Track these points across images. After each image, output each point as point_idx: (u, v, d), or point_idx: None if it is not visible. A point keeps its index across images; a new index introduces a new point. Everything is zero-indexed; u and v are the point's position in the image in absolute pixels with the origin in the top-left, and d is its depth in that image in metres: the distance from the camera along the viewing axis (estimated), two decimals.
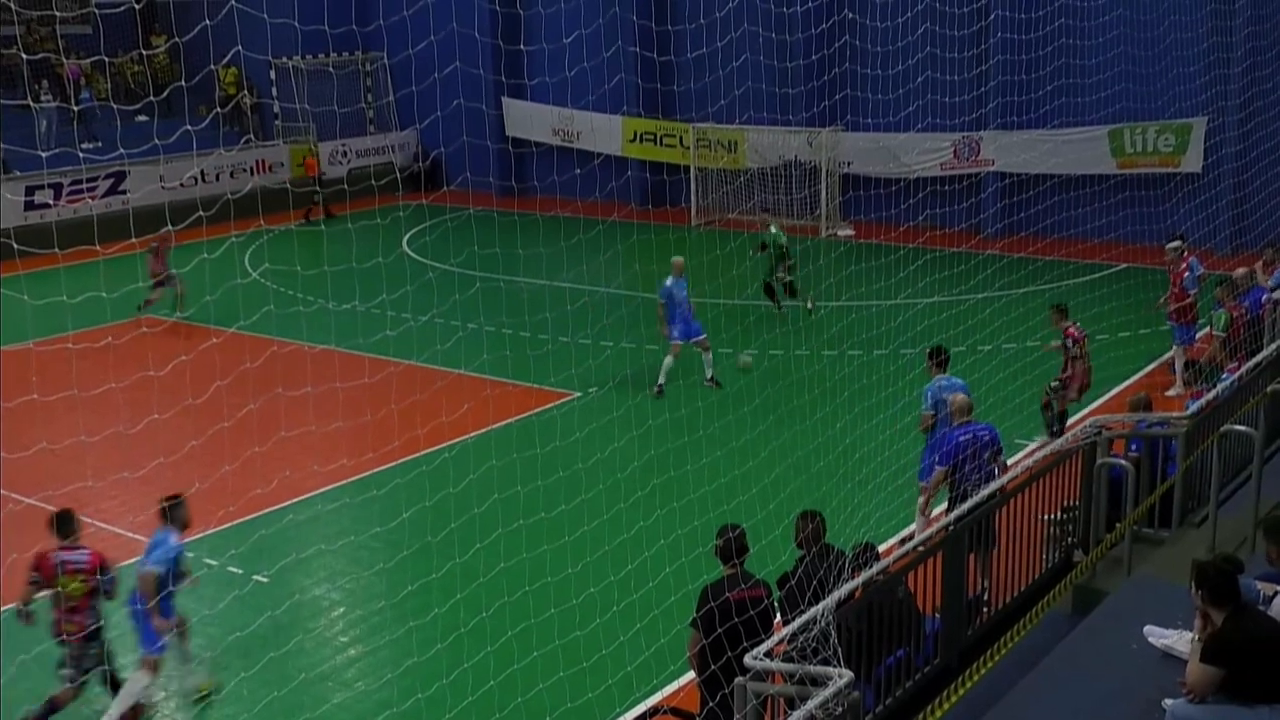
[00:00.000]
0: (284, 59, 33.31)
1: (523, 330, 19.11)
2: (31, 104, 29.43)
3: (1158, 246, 20.43)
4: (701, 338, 18.20)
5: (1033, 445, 14.80)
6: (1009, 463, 11.85)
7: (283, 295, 23.35)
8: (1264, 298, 15.61)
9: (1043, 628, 8.85)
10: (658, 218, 29.37)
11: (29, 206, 28.68)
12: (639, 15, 28.60)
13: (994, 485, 10.13)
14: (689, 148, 31.47)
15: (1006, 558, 9.80)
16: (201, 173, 29.33)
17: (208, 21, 9.10)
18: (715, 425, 15.01)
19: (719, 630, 7.88)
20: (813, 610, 7.16)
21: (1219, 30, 25.14)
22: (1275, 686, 6.62)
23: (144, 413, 9.64)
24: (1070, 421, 14.99)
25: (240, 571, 12.36)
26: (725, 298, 21.78)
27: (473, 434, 15.43)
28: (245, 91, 34.65)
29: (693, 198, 31.43)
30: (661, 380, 17.84)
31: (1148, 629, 7.83)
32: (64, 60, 31.68)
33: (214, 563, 12.59)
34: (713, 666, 7.78)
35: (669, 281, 18.13)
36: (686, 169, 31.62)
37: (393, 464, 14.26)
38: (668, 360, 18.06)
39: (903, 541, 9.62)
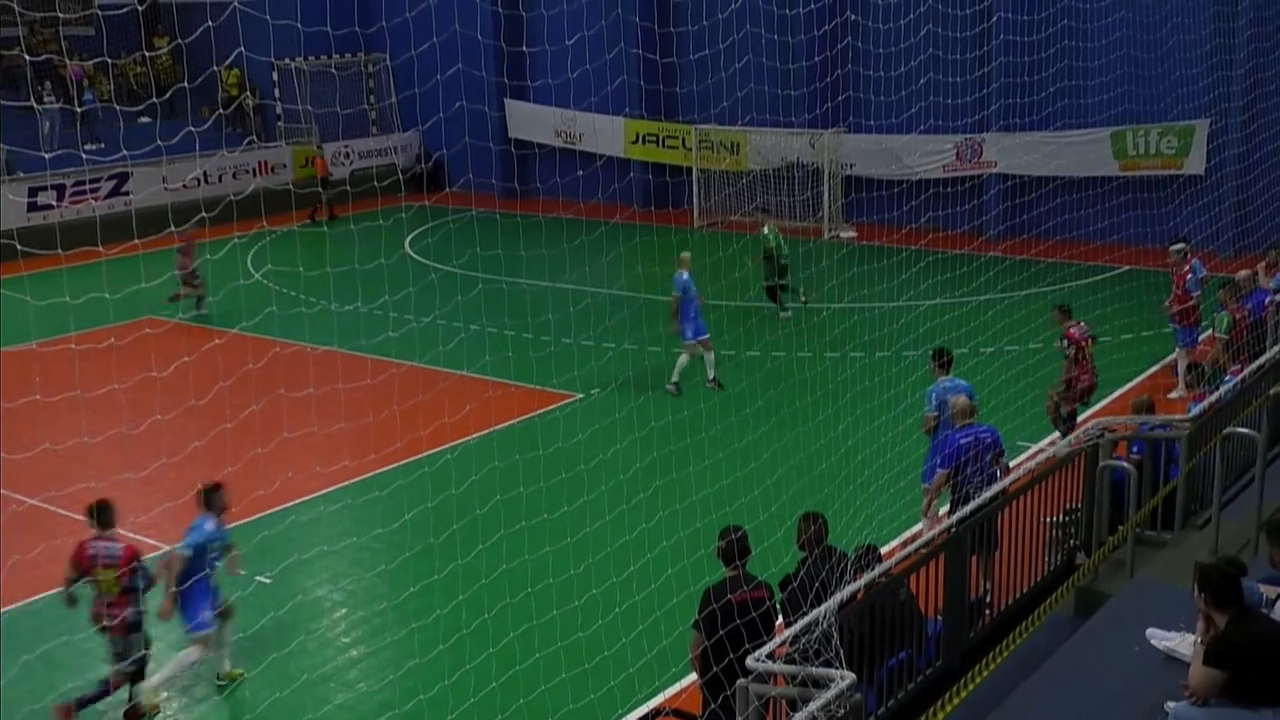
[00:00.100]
0: (287, 60, 33.35)
1: (525, 332, 19.12)
2: (35, 105, 29.46)
3: (1160, 249, 20.42)
4: (704, 337, 18.22)
5: (1040, 444, 14.76)
6: (1013, 463, 11.85)
7: (285, 296, 23.37)
8: (1267, 300, 15.58)
9: (1045, 630, 8.84)
10: (660, 219, 29.41)
11: (32, 208, 28.71)
12: (641, 17, 28.62)
13: (996, 487, 10.12)
14: (691, 149, 31.48)
15: (1009, 560, 9.79)
16: (204, 174, 29.36)
17: (210, 23, 9.11)
18: (718, 427, 15.01)
19: (721, 632, 7.88)
20: (815, 612, 7.15)
21: (1222, 32, 25.13)
22: (1278, 689, 6.61)
23: (146, 413, 9.65)
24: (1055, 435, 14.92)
25: (243, 572, 12.34)
26: (728, 299, 21.78)
27: (475, 435, 15.43)
28: (248, 93, 34.69)
29: (695, 199, 31.43)
30: (676, 378, 17.89)
31: (1150, 631, 7.82)
32: (67, 61, 31.73)
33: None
34: (715, 668, 7.77)
35: (684, 275, 18.15)
36: (689, 171, 31.63)
37: (395, 465, 14.27)
38: (683, 359, 18.09)
39: (906, 543, 9.62)
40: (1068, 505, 10.48)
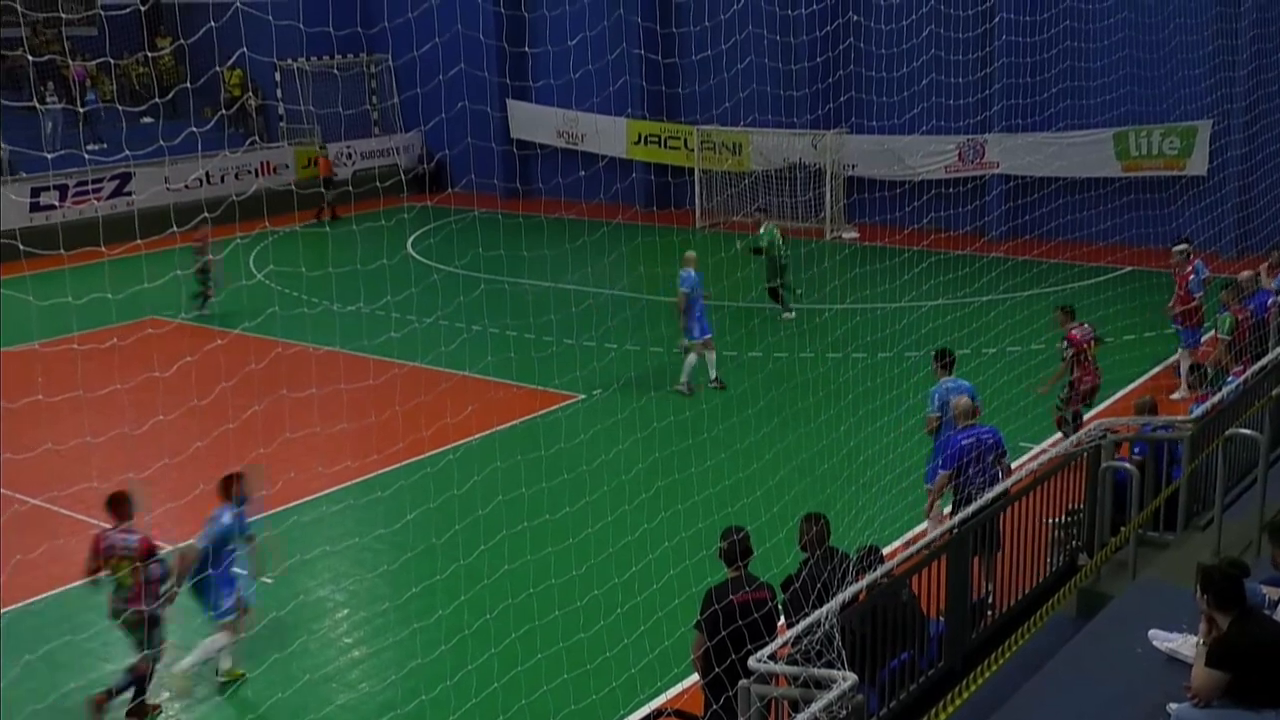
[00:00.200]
0: (289, 61, 33.37)
1: (527, 332, 19.12)
2: (37, 105, 29.47)
3: (1163, 249, 20.41)
4: (708, 337, 18.25)
5: (1043, 445, 14.75)
6: (1015, 464, 11.84)
7: (288, 297, 23.39)
8: (1269, 301, 15.57)
9: (1047, 631, 8.84)
10: (662, 220, 29.43)
11: (34, 208, 28.72)
12: (643, 18, 28.63)
13: (998, 488, 10.12)
14: (693, 150, 31.47)
15: (1011, 561, 9.78)
16: (206, 174, 29.36)
17: (213, 23, 9.13)
18: (720, 428, 15.01)
19: (723, 633, 7.87)
20: (817, 613, 7.15)
21: (1224, 33, 25.11)
22: None
23: (149, 414, 9.66)
24: (1059, 435, 14.89)
25: (245, 573, 12.35)
26: (730, 300, 21.77)
27: (477, 436, 15.43)
28: (250, 93, 34.70)
29: (697, 200, 31.43)
30: (685, 379, 17.94)
31: (1152, 633, 7.82)
32: (70, 62, 31.73)
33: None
34: (717, 669, 7.77)
35: (693, 273, 18.19)
36: (691, 171, 31.63)
37: (397, 465, 14.27)
38: (691, 358, 18.12)
39: (908, 544, 9.62)
40: (1070, 506, 10.47)
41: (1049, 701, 7.64)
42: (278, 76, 34.35)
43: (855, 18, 23.38)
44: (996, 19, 25.82)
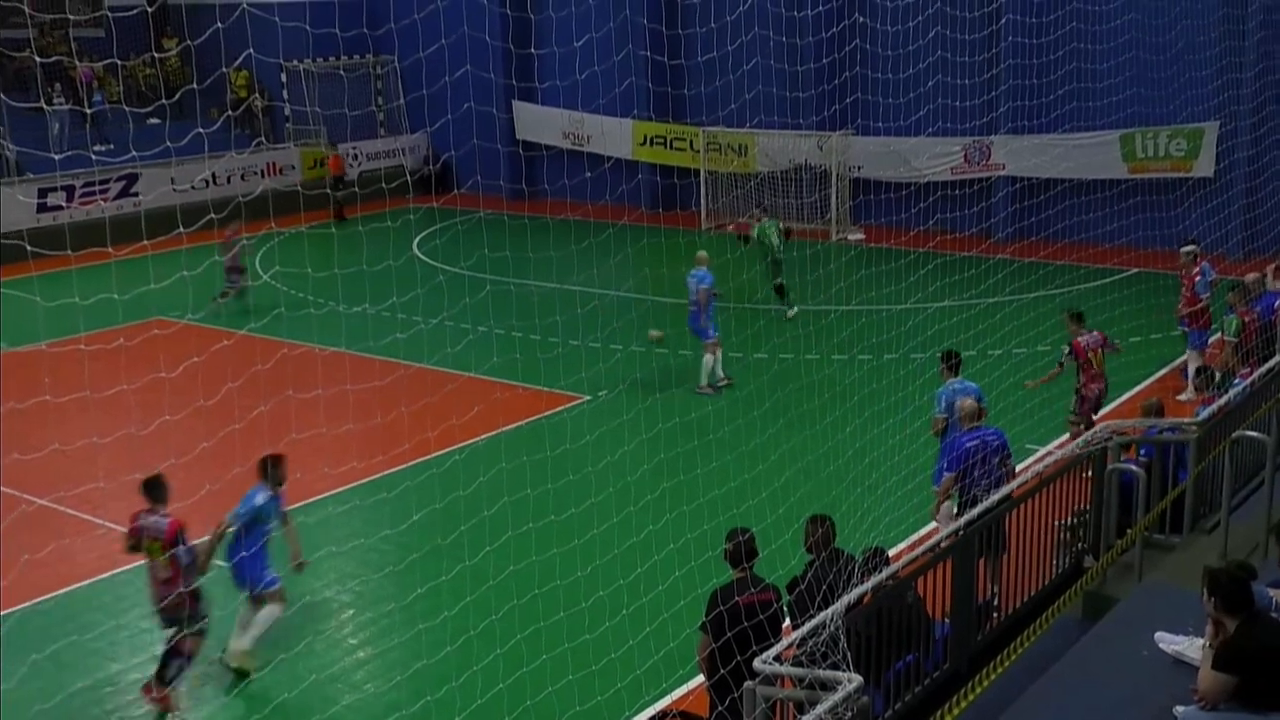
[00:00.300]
0: (295, 62, 33.39)
1: (533, 333, 19.13)
2: (44, 106, 29.53)
3: (1169, 251, 20.38)
4: (717, 336, 18.34)
5: (1049, 447, 14.72)
6: (1021, 466, 11.82)
7: (293, 298, 23.42)
8: (1276, 303, 15.55)
9: (1053, 633, 8.83)
10: (668, 221, 29.38)
11: (41, 208, 28.78)
12: (649, 19, 28.61)
13: (1004, 490, 10.11)
14: (699, 151, 31.46)
15: (1016, 563, 9.77)
16: (213, 175, 29.41)
17: (219, 25, 9.14)
18: (725, 429, 15.00)
19: (728, 634, 7.88)
20: (822, 615, 7.15)
21: (1231, 35, 25.08)
22: None
23: (155, 414, 9.68)
24: (1066, 436, 14.85)
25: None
26: (735, 301, 21.77)
27: (482, 437, 15.44)
28: (256, 94, 34.75)
29: (703, 201, 31.42)
30: (705, 380, 18.00)
31: (1159, 635, 7.80)
32: (76, 63, 31.78)
33: (224, 564, 12.61)
34: (722, 670, 7.77)
35: (708, 273, 18.35)
36: (697, 172, 31.62)
37: (403, 466, 14.28)
38: (708, 358, 18.16)
39: (914, 546, 9.61)
40: (1077, 507, 10.46)
41: (1054, 704, 7.63)
42: (284, 77, 34.38)
43: (861, 19, 23.39)
44: (1003, 20, 25.79)
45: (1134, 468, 10.31)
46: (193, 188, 25.44)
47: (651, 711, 9.68)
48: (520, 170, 32.20)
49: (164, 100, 11.39)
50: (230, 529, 10.66)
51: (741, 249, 22.35)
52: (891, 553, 9.47)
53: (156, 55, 29.60)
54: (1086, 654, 8.11)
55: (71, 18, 30.99)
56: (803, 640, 7.08)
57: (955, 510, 11.35)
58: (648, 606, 10.05)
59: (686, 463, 12.65)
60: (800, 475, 12.98)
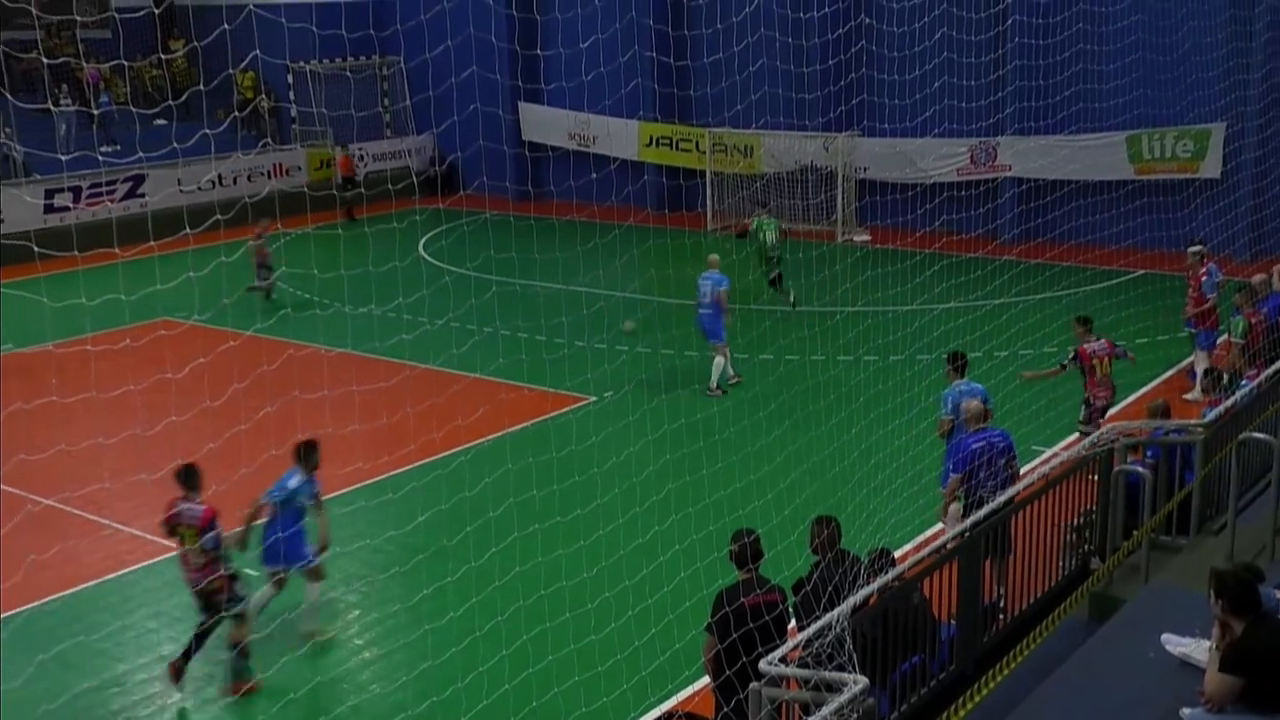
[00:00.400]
0: (301, 63, 33.44)
1: (538, 334, 19.14)
2: (51, 107, 29.56)
3: (1176, 252, 20.35)
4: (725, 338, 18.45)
5: (1054, 449, 14.71)
6: (1027, 468, 11.81)
7: (300, 299, 23.46)
8: None
9: (1059, 635, 8.81)
10: (674, 222, 29.37)
11: (48, 209, 28.84)
12: (655, 20, 28.62)
13: (1009, 492, 10.10)
14: (705, 152, 31.46)
15: (1023, 564, 9.76)
16: (219, 176, 29.45)
17: (226, 26, 9.16)
18: (730, 430, 15.00)
19: (734, 635, 7.87)
20: (828, 616, 7.14)
21: (1238, 35, 25.03)
22: None
23: (162, 415, 9.69)
24: (1075, 436, 14.82)
25: (257, 574, 12.38)
26: (741, 303, 21.76)
27: (488, 437, 15.44)
28: (263, 96, 34.77)
29: (709, 202, 31.42)
30: (715, 382, 17.99)
31: (1165, 637, 7.78)
32: (84, 64, 31.85)
33: (231, 565, 12.62)
34: (728, 671, 7.77)
35: (723, 275, 18.46)
36: (702, 174, 31.61)
37: (409, 467, 14.29)
38: (719, 360, 18.16)
39: (919, 548, 9.60)
40: (1083, 508, 10.44)
41: (1061, 706, 7.62)
42: (290, 79, 34.43)
43: (867, 20, 23.38)
44: (1009, 22, 25.76)
45: (1140, 469, 10.29)
46: (199, 189, 25.53)
47: (657, 713, 9.66)
48: (526, 171, 32.21)
49: (170, 101, 11.37)
50: (261, 506, 11.07)
51: (747, 247, 22.43)
52: (897, 554, 9.45)
53: (163, 56, 29.71)
54: (1093, 656, 8.10)
55: (78, 19, 31.05)
56: (808, 641, 7.07)
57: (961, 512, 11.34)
58: (653, 608, 10.05)
59: (692, 464, 12.66)
60: (806, 476, 12.97)
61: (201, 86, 10.21)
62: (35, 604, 12.13)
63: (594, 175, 28.22)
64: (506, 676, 9.60)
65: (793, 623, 8.48)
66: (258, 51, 10.01)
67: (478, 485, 11.58)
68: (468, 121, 25.78)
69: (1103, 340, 14.83)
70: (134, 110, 27.48)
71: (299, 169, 34.66)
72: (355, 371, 12.36)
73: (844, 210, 29.29)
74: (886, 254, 23.33)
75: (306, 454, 11.18)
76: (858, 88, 25.14)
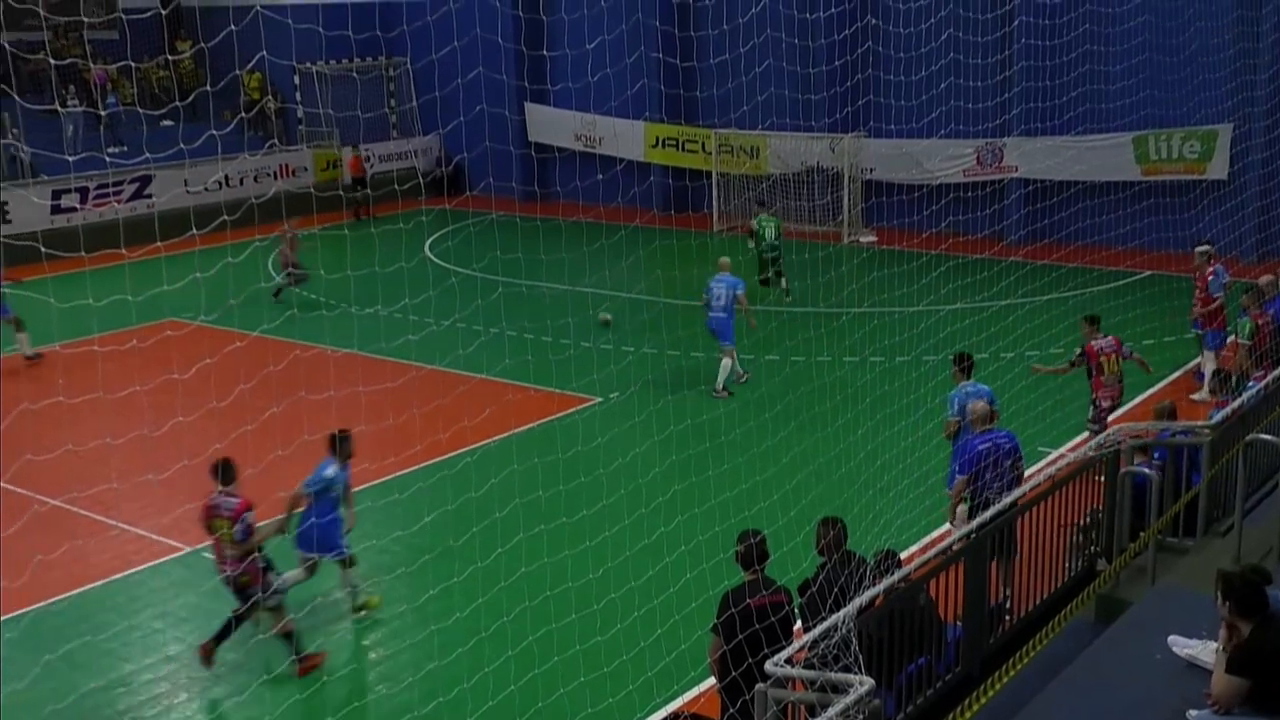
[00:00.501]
0: (308, 64, 33.49)
1: (545, 335, 19.14)
2: (58, 108, 29.62)
3: (1183, 254, 20.31)
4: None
5: (1061, 450, 14.69)
6: (1034, 469, 11.79)
7: (306, 299, 23.48)
8: None
9: (1065, 637, 8.80)
10: (680, 223, 29.43)
11: (55, 210, 28.90)
12: (661, 21, 28.62)
13: (1016, 493, 10.08)
14: (711, 153, 31.46)
15: (1029, 566, 9.75)
16: (226, 177, 29.47)
17: (233, 27, 9.17)
18: (736, 431, 14.99)
19: (740, 636, 7.87)
20: (834, 617, 7.14)
21: (1245, 36, 24.99)
22: None
23: (168, 415, 9.70)
24: (1084, 435, 14.81)
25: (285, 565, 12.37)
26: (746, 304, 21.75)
27: (494, 438, 15.45)
28: (269, 96, 34.84)
29: (714, 203, 31.41)
30: (721, 383, 18.01)
31: (1172, 639, 7.77)
32: (91, 65, 31.89)
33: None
34: (733, 672, 7.77)
35: (738, 278, 18.53)
36: (708, 174, 31.61)
37: (414, 468, 14.30)
38: (726, 362, 18.18)
39: (925, 549, 9.59)
40: (1090, 508, 10.42)
41: (1067, 707, 7.61)
42: (297, 80, 34.48)
43: (874, 21, 23.35)
44: (1015, 23, 25.74)
45: (1147, 471, 10.27)
46: (206, 189, 25.49)
47: (663, 714, 9.67)
48: (532, 172, 32.22)
49: (177, 102, 11.46)
50: (299, 496, 11.45)
51: (753, 247, 22.50)
52: (903, 555, 9.44)
53: (170, 58, 29.68)
54: (1099, 657, 8.09)
55: (86, 20, 31.10)
56: (814, 643, 7.07)
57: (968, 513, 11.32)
58: (659, 608, 10.05)
59: (698, 465, 12.65)
60: (812, 478, 12.96)
61: (208, 87, 10.26)
62: (42, 604, 12.16)
63: (600, 176, 28.21)
64: (513, 677, 9.60)
65: (798, 624, 8.48)
66: (264, 52, 10.03)
67: (484, 486, 11.59)
68: (474, 122, 25.72)
69: (1110, 338, 14.80)
70: (141, 111, 27.57)
71: (305, 170, 34.70)
72: (361, 372, 12.39)
73: (850, 211, 29.28)
74: (893, 255, 23.35)
75: (341, 444, 11.59)
76: (864, 89, 25.13)
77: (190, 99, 23.35)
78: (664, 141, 32.56)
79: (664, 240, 27.16)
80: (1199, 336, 17.92)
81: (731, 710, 7.74)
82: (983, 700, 7.89)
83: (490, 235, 26.46)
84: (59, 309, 9.09)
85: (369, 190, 31.55)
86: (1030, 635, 8.72)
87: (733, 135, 30.48)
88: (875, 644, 7.57)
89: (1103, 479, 10.41)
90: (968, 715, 7.77)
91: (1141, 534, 9.91)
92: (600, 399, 17.71)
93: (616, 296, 21.44)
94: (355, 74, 32.75)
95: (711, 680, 8.93)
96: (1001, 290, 19.15)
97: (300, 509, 11.55)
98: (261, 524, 11.10)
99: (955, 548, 9.04)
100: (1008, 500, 9.70)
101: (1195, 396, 16.62)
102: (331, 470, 11.54)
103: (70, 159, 26.78)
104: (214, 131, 10.38)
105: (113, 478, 9.94)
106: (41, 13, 23.17)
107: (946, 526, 12.16)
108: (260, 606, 10.79)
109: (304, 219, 23.58)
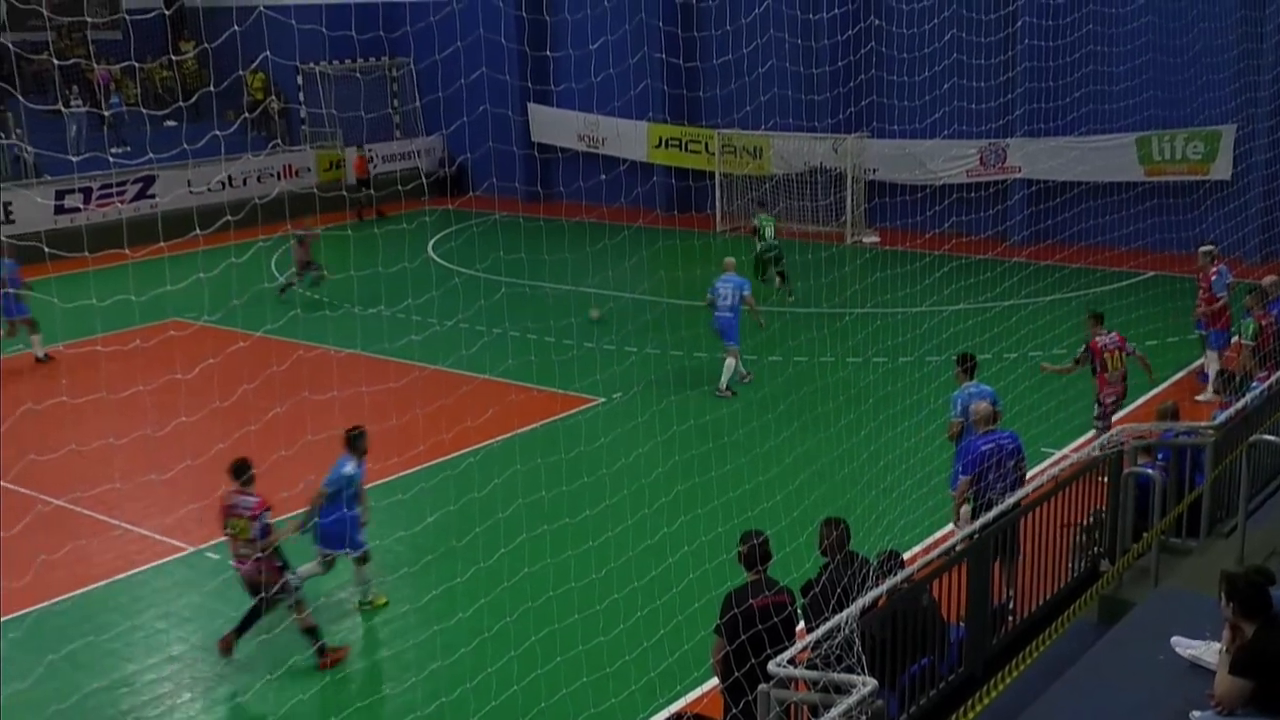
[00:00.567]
0: (311, 65, 33.51)
1: (547, 335, 19.15)
2: (62, 109, 29.68)
3: (1186, 254, 20.28)
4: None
5: (1064, 451, 14.67)
6: (1037, 470, 11.78)
7: (309, 299, 23.49)
8: None
9: (1068, 638, 8.79)
10: (683, 223, 29.38)
11: (59, 210, 28.93)
12: (665, 21, 28.61)
13: (1019, 494, 10.08)
14: (714, 154, 31.46)
15: (1032, 567, 9.74)
16: (229, 177, 29.53)
17: (236, 28, 9.18)
18: (739, 431, 14.99)
19: (742, 637, 7.87)
20: (837, 618, 7.13)
21: (1249, 37, 24.96)
22: None
23: (171, 415, 9.71)
24: (1091, 434, 14.81)
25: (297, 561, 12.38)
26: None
27: (497, 439, 15.45)
28: (273, 97, 34.86)
29: (717, 204, 31.40)
30: (725, 383, 18.03)
31: (1175, 640, 7.77)
32: (94, 66, 31.94)
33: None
34: (736, 673, 7.77)
35: (745, 278, 18.58)
36: (711, 175, 31.61)
37: (418, 468, 14.30)
38: (731, 361, 18.18)
39: (929, 549, 9.58)
40: (1093, 509, 10.42)
41: (1070, 708, 7.60)
42: (300, 80, 34.49)
43: (877, 22, 23.34)
44: (1019, 23, 25.73)
45: (1150, 471, 10.26)
46: (209, 190, 25.52)
47: (666, 714, 9.67)
48: (535, 172, 32.23)
49: (181, 103, 11.44)
50: (324, 495, 11.60)
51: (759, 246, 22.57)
52: (906, 556, 9.44)
53: (174, 58, 29.77)
54: (1102, 658, 8.08)
55: (89, 20, 31.12)
56: (817, 643, 7.07)
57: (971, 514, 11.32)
58: (662, 609, 10.05)
59: (701, 465, 12.65)
60: (815, 478, 12.97)
61: (212, 88, 10.27)
62: (45, 604, 12.17)
63: (603, 176, 28.22)
64: (515, 677, 9.60)
65: (801, 624, 8.48)
66: (268, 53, 10.05)
67: (487, 486, 11.59)
68: (477, 123, 25.78)
69: (1114, 334, 14.82)
70: (144, 111, 27.56)
71: (308, 170, 34.72)
72: (364, 372, 12.39)
73: (853, 212, 29.27)
74: (896, 255, 23.34)
75: (356, 440, 11.78)
76: (867, 89, 25.11)
77: (193, 99, 23.34)
78: (667, 142, 32.57)
79: (667, 241, 27.14)
80: (1202, 337, 17.90)
81: (734, 711, 7.74)
82: (985, 701, 7.88)
83: (493, 235, 26.46)
84: (62, 309, 9.10)
85: (372, 191, 31.64)
86: (1033, 636, 8.71)
87: (735, 136, 30.48)
88: (878, 645, 7.57)
89: (1106, 479, 10.40)
90: (970, 716, 7.76)
91: (1145, 535, 9.90)
92: (603, 399, 17.71)
93: (619, 297, 21.43)
94: (359, 74, 32.78)
95: (714, 681, 8.93)
96: (1005, 291, 19.12)
97: (320, 506, 11.69)
98: (279, 520, 11.24)
99: (958, 548, 9.03)
100: (1010, 501, 9.69)
101: (1201, 397, 16.60)
102: (350, 467, 11.71)
103: (74, 159, 26.82)
104: (217, 132, 10.39)
105: (116, 478, 9.95)
106: (45, 13, 23.23)
107: (949, 527, 12.16)
108: (282, 604, 10.90)
109: (309, 219, 23.56)
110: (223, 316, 13.96)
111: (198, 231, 9.76)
